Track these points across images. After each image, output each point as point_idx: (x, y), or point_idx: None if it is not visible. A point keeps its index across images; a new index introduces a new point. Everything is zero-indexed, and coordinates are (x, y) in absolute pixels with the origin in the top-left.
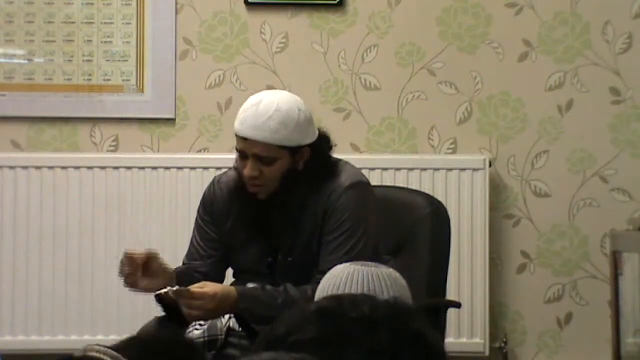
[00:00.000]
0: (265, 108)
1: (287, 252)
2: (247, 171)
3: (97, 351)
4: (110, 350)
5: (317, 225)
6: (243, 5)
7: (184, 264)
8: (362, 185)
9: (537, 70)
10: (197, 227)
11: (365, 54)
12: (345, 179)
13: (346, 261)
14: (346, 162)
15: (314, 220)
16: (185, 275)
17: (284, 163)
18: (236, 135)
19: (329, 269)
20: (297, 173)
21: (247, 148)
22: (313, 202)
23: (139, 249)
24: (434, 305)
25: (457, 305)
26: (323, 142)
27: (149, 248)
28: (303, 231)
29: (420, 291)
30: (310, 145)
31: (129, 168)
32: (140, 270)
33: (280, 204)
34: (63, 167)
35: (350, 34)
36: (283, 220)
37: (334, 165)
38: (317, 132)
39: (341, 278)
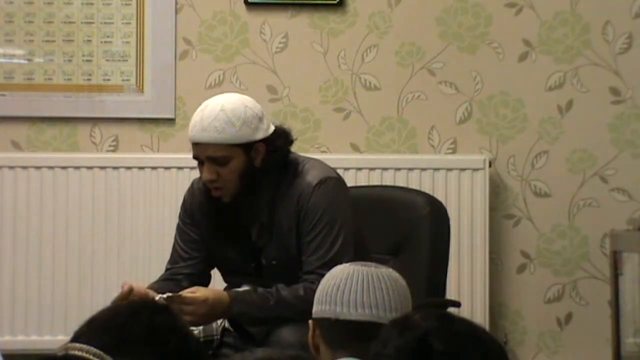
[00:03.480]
0: (210, 111)
1: (269, 255)
2: (204, 176)
3: (80, 349)
4: (92, 348)
5: (292, 226)
6: (243, 5)
7: (166, 269)
8: (330, 180)
9: (537, 70)
10: (179, 230)
11: (365, 54)
12: (312, 177)
13: (330, 258)
14: (314, 160)
15: (288, 222)
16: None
17: (239, 161)
18: (191, 144)
19: (315, 267)
20: (255, 170)
21: (199, 152)
22: (284, 204)
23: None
24: (433, 305)
25: (457, 305)
26: (279, 137)
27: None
28: (279, 233)
29: (420, 291)
30: (264, 141)
31: (128, 168)
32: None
33: (248, 205)
34: (63, 167)
35: (350, 34)
36: (255, 223)
37: (297, 162)
38: (271, 127)
39: (341, 278)
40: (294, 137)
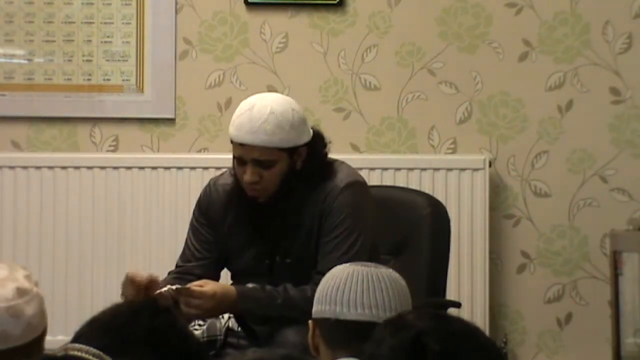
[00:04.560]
0: (260, 112)
1: (285, 253)
2: (247, 177)
3: (79, 350)
4: (92, 349)
5: (314, 226)
6: (243, 5)
7: (177, 266)
8: (358, 185)
9: (537, 70)
10: (193, 229)
11: (365, 54)
12: (341, 179)
13: (345, 261)
14: (342, 162)
15: (311, 222)
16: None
17: (283, 165)
18: (232, 142)
19: (328, 269)
20: (295, 173)
21: (245, 154)
22: (310, 203)
23: (141, 272)
24: (434, 305)
25: (457, 305)
26: (318, 140)
27: (150, 272)
28: (301, 232)
29: (420, 291)
30: (306, 145)
31: (129, 168)
32: (142, 293)
33: (279, 206)
34: (63, 167)
35: (350, 34)
36: (281, 222)
37: (330, 165)
38: (311, 131)
39: (341, 279)
40: (328, 140)
